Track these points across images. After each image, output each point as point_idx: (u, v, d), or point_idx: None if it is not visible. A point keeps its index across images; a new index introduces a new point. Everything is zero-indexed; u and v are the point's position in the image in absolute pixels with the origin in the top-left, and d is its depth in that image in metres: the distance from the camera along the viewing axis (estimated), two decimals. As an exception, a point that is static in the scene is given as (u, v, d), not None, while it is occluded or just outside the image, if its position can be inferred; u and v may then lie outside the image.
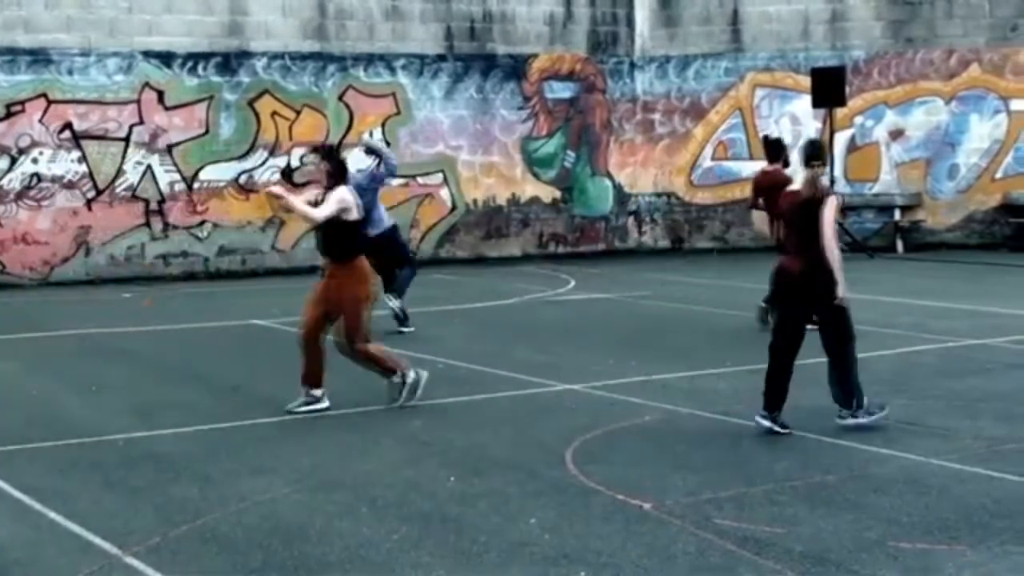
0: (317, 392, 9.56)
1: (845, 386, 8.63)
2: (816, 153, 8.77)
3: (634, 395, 9.88)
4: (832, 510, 6.69)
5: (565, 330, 13.81)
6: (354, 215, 9.43)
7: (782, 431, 8.43)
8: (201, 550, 6.22)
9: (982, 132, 22.66)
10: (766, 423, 8.49)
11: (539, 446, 8.26)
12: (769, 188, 13.56)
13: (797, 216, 8.64)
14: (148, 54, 19.63)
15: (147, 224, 19.77)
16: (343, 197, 9.38)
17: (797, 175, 8.89)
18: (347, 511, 6.82)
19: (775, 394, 8.55)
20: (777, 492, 7.05)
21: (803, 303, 8.63)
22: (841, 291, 8.42)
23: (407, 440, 8.55)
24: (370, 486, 7.32)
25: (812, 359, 11.55)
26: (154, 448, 8.42)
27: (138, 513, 6.85)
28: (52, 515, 6.82)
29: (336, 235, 9.46)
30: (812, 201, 8.53)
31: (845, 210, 22.41)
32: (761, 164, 24.32)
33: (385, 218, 13.54)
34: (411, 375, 9.58)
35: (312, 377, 9.56)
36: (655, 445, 8.27)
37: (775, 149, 13.83)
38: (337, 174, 9.47)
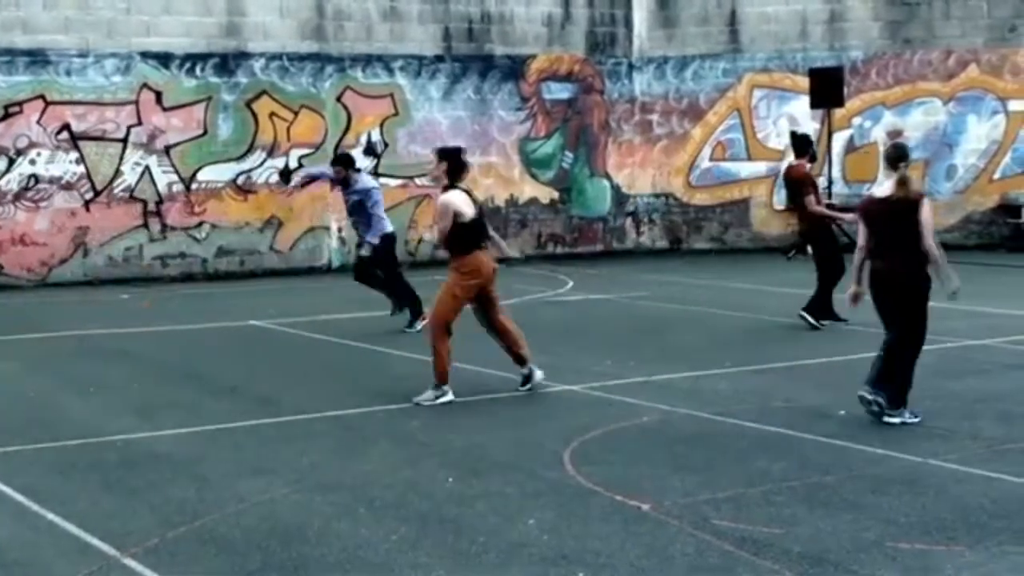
0: (524, 369, 10.16)
1: (901, 383, 8.74)
2: (903, 155, 8.95)
3: (632, 396, 9.88)
4: (830, 511, 6.70)
5: (563, 331, 13.81)
6: (468, 215, 9.72)
7: (870, 404, 8.66)
8: (199, 551, 6.22)
9: (980, 133, 22.67)
10: (871, 397, 8.68)
11: (537, 447, 8.26)
12: (793, 182, 13.95)
13: (888, 218, 8.72)
14: (146, 55, 19.63)
15: (145, 225, 19.77)
16: (444, 205, 9.72)
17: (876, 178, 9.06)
18: (345, 512, 6.82)
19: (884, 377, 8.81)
20: (775, 493, 7.05)
21: (898, 301, 8.75)
22: (955, 284, 8.70)
23: (405, 441, 8.56)
24: (368, 487, 7.32)
25: (811, 359, 11.58)
26: (153, 449, 8.42)
27: (136, 514, 6.85)
28: (51, 516, 6.82)
29: (453, 234, 9.77)
30: (905, 203, 8.65)
31: (845, 210, 22.39)
32: (760, 165, 24.22)
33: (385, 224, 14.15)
34: (446, 396, 9.72)
35: (515, 351, 10.15)
36: (653, 446, 8.27)
37: (803, 144, 13.99)
38: (452, 174, 9.84)
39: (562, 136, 23.01)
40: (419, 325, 13.25)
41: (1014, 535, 6.26)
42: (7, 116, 18.83)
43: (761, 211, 23.25)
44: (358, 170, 14.36)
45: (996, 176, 22.69)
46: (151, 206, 19.75)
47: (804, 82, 21.90)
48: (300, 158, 20.64)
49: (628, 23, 23.58)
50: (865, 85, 22.84)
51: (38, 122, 19.01)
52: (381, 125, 21.38)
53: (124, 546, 6.25)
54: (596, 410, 9.43)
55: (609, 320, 14.71)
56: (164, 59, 19.75)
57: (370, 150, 21.26)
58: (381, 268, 14.05)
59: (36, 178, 19.01)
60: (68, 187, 19.21)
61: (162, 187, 19.80)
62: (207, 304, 16.79)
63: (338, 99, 21.05)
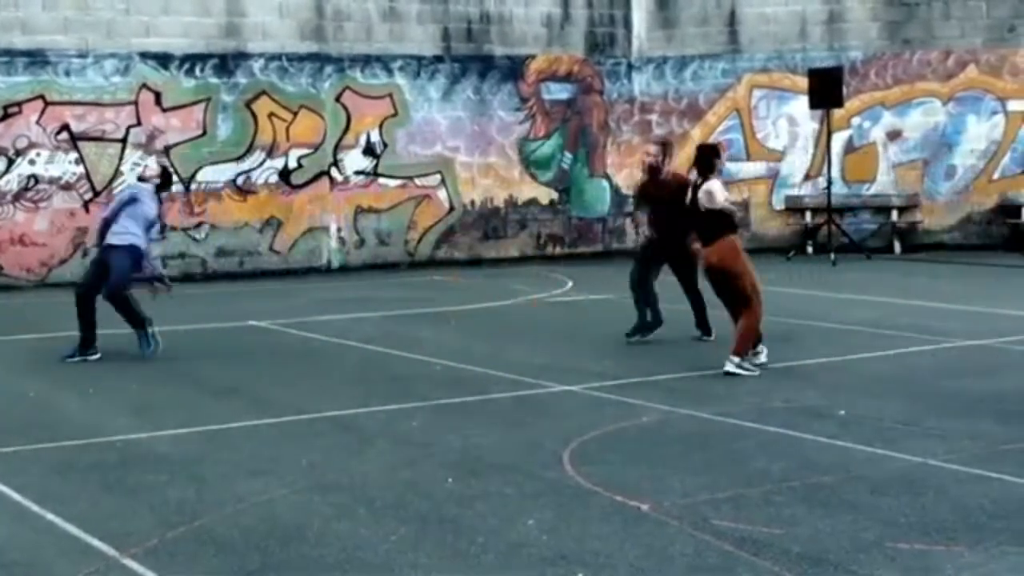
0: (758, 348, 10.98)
1: None
2: None
3: (632, 396, 9.88)
4: (830, 511, 6.70)
5: (564, 331, 13.81)
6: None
7: None
8: (199, 551, 6.22)
9: (979, 133, 22.66)
10: None
11: (537, 447, 8.25)
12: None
13: None
14: (145, 55, 19.63)
15: (144, 225, 19.75)
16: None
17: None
18: (345, 512, 6.81)
19: None
20: (774, 493, 7.05)
21: None
22: None
23: (404, 441, 8.55)
24: (368, 487, 7.32)
25: (811, 359, 11.57)
26: (152, 449, 8.41)
27: (136, 514, 6.85)
28: (50, 516, 6.81)
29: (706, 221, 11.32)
30: None
31: (843, 210, 22.46)
32: (759, 165, 24.16)
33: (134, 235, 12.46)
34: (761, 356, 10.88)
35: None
36: (653, 446, 8.27)
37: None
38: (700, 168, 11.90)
39: (561, 136, 23.00)
40: (80, 357, 12.04)
41: (1014, 535, 6.26)
42: (6, 116, 18.81)
43: (760, 211, 23.24)
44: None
45: (996, 176, 22.68)
46: (150, 206, 19.71)
47: (803, 82, 21.90)
48: (299, 158, 20.65)
49: (627, 23, 23.56)
50: (864, 85, 22.83)
51: (37, 122, 19.00)
52: (380, 125, 21.37)
53: (124, 546, 6.25)
54: (595, 410, 9.43)
55: (609, 320, 14.69)
56: (163, 60, 19.74)
57: (369, 150, 21.27)
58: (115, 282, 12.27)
59: (35, 178, 19.00)
60: (67, 187, 19.20)
61: (161, 187, 19.77)
62: (206, 304, 16.77)
63: (337, 99, 21.04)
